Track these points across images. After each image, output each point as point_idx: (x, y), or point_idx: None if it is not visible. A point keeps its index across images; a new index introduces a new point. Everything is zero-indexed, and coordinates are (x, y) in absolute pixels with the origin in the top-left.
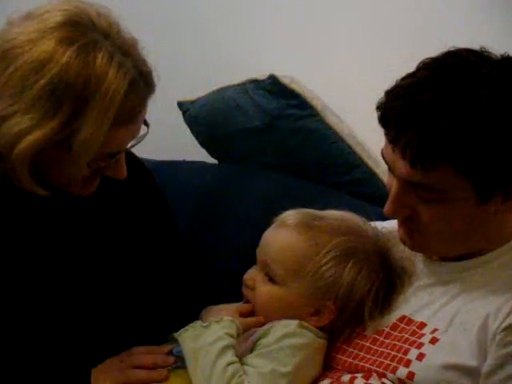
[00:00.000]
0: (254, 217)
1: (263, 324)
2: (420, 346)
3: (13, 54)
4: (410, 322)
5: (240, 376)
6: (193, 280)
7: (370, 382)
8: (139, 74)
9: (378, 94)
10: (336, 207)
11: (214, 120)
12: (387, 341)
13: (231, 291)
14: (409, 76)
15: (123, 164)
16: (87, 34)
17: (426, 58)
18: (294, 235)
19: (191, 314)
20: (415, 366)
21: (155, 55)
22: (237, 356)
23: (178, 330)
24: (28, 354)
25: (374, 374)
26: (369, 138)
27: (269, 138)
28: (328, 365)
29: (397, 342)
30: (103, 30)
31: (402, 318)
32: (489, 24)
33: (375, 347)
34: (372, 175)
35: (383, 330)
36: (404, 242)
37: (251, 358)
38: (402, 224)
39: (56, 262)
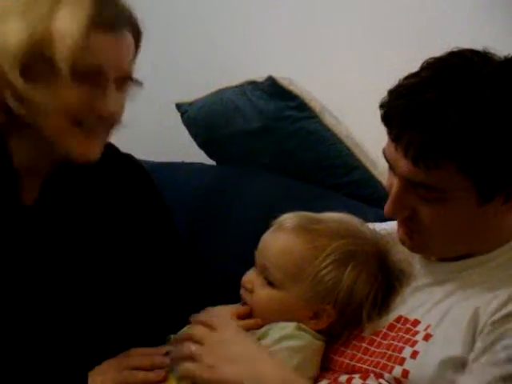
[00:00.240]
0: (252, 218)
1: (261, 326)
2: (414, 343)
3: None
4: (405, 321)
5: None
6: (191, 281)
7: (367, 382)
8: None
9: (377, 96)
10: (334, 209)
11: (212, 122)
12: (384, 341)
13: (229, 293)
14: (412, 75)
15: (113, 96)
16: None
17: (430, 58)
18: (292, 239)
19: (189, 315)
20: (409, 364)
21: (153, 57)
22: None
23: (176, 331)
24: (24, 358)
25: (372, 375)
26: (367, 140)
27: (267, 139)
28: (325, 366)
29: (393, 342)
30: None
31: (399, 318)
32: (491, 24)
33: (372, 348)
34: (370, 177)
35: (380, 331)
36: (403, 243)
37: None
38: (401, 224)
39: (53, 264)
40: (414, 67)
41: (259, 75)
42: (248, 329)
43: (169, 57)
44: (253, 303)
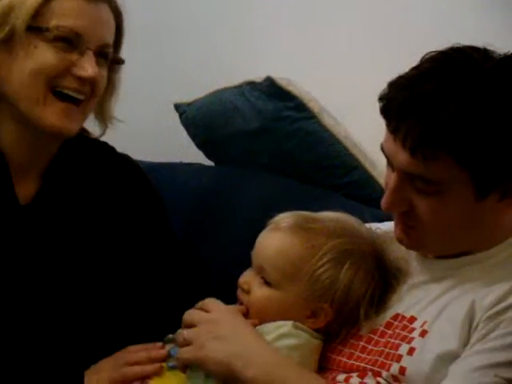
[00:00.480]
0: (251, 219)
1: (257, 325)
2: (410, 340)
3: None
4: (402, 318)
5: None
6: (188, 281)
7: (365, 381)
8: None
9: (376, 96)
10: (333, 209)
11: (210, 122)
12: (382, 339)
13: (227, 294)
14: (412, 68)
15: (92, 62)
16: None
17: (431, 51)
18: (289, 238)
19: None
20: (406, 361)
21: (152, 57)
22: None
23: (173, 331)
24: (20, 357)
25: (370, 373)
26: (366, 140)
27: (266, 140)
28: (323, 365)
29: (390, 339)
30: None
31: (396, 316)
32: (491, 24)
33: (370, 346)
34: (369, 177)
35: (378, 329)
36: (401, 241)
37: None
38: (398, 220)
39: (49, 263)
40: None
41: (258, 75)
42: None
43: (167, 57)
44: (250, 303)
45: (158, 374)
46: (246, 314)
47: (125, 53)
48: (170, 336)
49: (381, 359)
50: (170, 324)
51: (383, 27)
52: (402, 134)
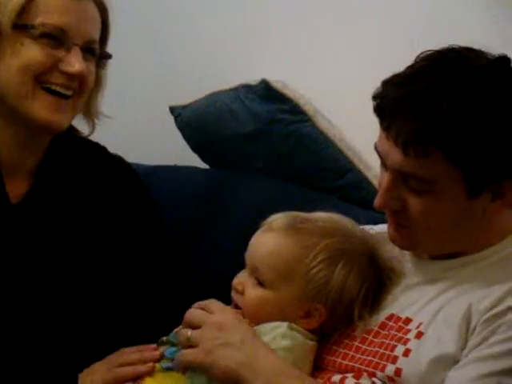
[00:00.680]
0: (245, 221)
1: (253, 327)
2: (406, 341)
3: None
4: (397, 319)
5: None
6: (182, 283)
7: (360, 381)
8: None
9: (370, 99)
10: (328, 211)
11: (205, 125)
12: (376, 340)
13: (222, 295)
14: (407, 67)
15: (79, 58)
16: None
17: (427, 50)
18: (282, 239)
19: (180, 316)
20: (402, 362)
21: (147, 60)
22: None
23: (167, 332)
24: (13, 359)
25: (365, 374)
26: (360, 143)
27: (261, 142)
28: (318, 366)
29: (385, 340)
30: None
31: (391, 317)
32: (489, 24)
33: (364, 346)
34: (363, 179)
35: (372, 330)
36: (394, 241)
37: None
38: (391, 220)
39: (40, 262)
40: None
41: (253, 78)
42: None
43: (163, 60)
44: (244, 304)
45: (150, 374)
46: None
47: (121, 55)
48: (164, 338)
49: (375, 360)
50: (163, 325)
51: (377, 32)
52: (395, 131)
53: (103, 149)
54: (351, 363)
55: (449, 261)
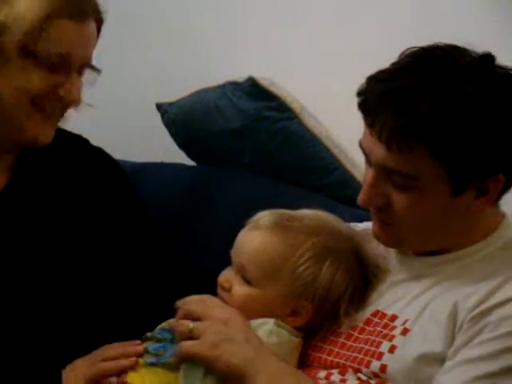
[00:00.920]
0: (232, 219)
1: None
2: (392, 338)
3: None
4: (383, 316)
5: None
6: (167, 279)
7: (345, 377)
8: None
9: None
10: (314, 209)
11: (192, 122)
12: (361, 336)
13: (208, 291)
14: (392, 63)
15: (77, 85)
16: None
17: (411, 47)
18: (269, 237)
19: (165, 313)
20: (387, 359)
21: (134, 57)
22: None
23: (151, 328)
24: None
25: (350, 370)
26: (347, 141)
27: (247, 140)
28: (304, 362)
29: (370, 336)
30: None
31: (376, 313)
32: (477, 22)
33: (350, 343)
34: (350, 177)
35: (357, 326)
36: (378, 238)
37: None
38: (376, 217)
39: (20, 256)
40: None
41: (240, 75)
42: None
43: (149, 57)
44: (231, 302)
45: (133, 368)
46: None
47: (108, 52)
48: (149, 334)
49: (360, 356)
50: (149, 321)
51: (364, 28)
52: (379, 126)
53: (85, 141)
54: (336, 359)
55: (433, 257)
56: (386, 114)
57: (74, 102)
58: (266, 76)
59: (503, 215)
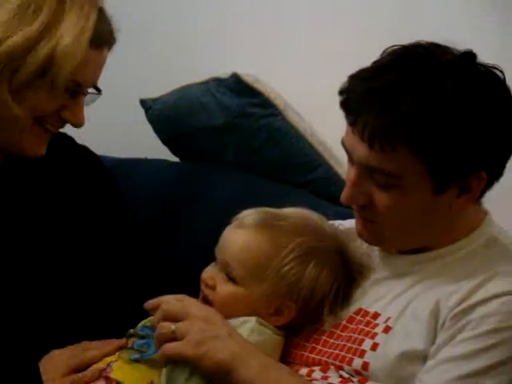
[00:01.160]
0: (216, 215)
1: None
2: (374, 335)
3: None
4: (365, 313)
5: None
6: (150, 275)
7: (327, 374)
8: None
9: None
10: (298, 206)
11: (176, 118)
12: (344, 334)
13: (192, 288)
14: (373, 62)
15: (82, 108)
16: None
17: (393, 45)
18: (254, 236)
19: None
20: (369, 356)
21: (118, 53)
22: None
23: (133, 326)
24: None
25: (332, 367)
26: (331, 137)
27: (231, 136)
28: (285, 360)
29: (352, 334)
30: None
31: (359, 311)
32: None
33: (332, 340)
34: (333, 174)
35: (340, 324)
36: (361, 237)
37: None
38: (358, 216)
39: (4, 256)
40: None
41: (224, 72)
42: None
43: (134, 53)
44: (215, 299)
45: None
46: None
47: None
48: (132, 331)
49: (342, 353)
50: (132, 318)
51: (348, 26)
52: (361, 125)
53: (70, 139)
54: (318, 356)
55: (416, 255)
56: (368, 113)
57: (79, 124)
58: (250, 72)
59: (485, 213)
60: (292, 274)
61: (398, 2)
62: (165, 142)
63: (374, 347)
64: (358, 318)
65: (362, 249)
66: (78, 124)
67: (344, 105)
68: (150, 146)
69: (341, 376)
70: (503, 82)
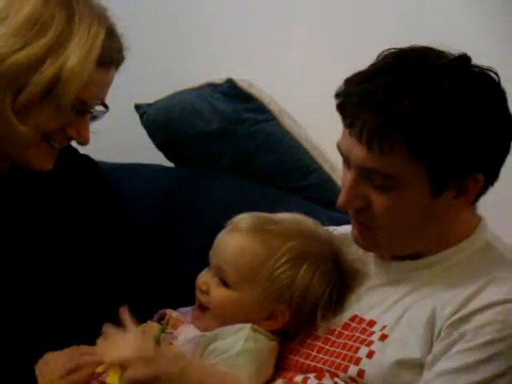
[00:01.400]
0: (210, 220)
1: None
2: (370, 343)
3: None
4: (361, 320)
5: None
6: (146, 281)
7: (322, 382)
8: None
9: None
10: (293, 212)
11: (171, 123)
12: (339, 340)
13: (188, 293)
14: (369, 65)
15: (87, 126)
16: None
17: (389, 49)
18: (247, 240)
19: (144, 314)
20: (365, 364)
21: None
22: None
23: None
24: None
25: (327, 374)
26: (325, 143)
27: (226, 141)
28: (280, 365)
29: (348, 341)
30: None
31: (354, 318)
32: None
33: (327, 347)
34: (328, 180)
35: (335, 330)
36: (357, 242)
37: None
38: (354, 221)
39: (3, 263)
40: None
41: (218, 77)
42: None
43: (129, 58)
44: (209, 304)
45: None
46: (205, 313)
47: None
48: None
49: (338, 360)
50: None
51: (345, 29)
52: (358, 127)
53: (73, 149)
54: (313, 363)
55: (411, 262)
56: (366, 114)
57: (84, 143)
58: (245, 78)
59: (480, 218)
60: (284, 277)
61: (394, 7)
62: (159, 147)
63: (370, 355)
64: (354, 324)
65: (357, 254)
66: (82, 142)
67: (340, 107)
68: (144, 152)
69: (335, 383)
70: (498, 84)
